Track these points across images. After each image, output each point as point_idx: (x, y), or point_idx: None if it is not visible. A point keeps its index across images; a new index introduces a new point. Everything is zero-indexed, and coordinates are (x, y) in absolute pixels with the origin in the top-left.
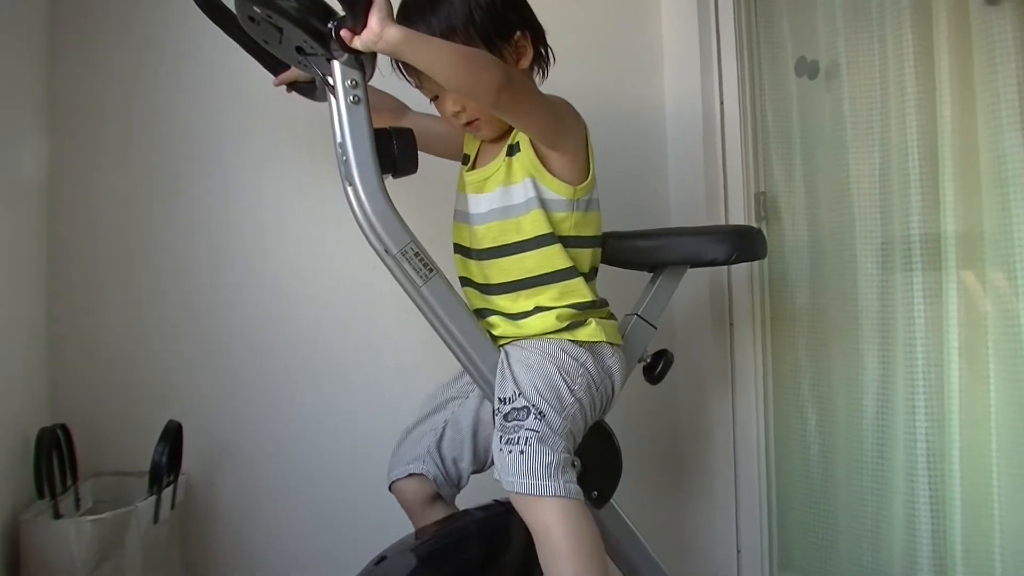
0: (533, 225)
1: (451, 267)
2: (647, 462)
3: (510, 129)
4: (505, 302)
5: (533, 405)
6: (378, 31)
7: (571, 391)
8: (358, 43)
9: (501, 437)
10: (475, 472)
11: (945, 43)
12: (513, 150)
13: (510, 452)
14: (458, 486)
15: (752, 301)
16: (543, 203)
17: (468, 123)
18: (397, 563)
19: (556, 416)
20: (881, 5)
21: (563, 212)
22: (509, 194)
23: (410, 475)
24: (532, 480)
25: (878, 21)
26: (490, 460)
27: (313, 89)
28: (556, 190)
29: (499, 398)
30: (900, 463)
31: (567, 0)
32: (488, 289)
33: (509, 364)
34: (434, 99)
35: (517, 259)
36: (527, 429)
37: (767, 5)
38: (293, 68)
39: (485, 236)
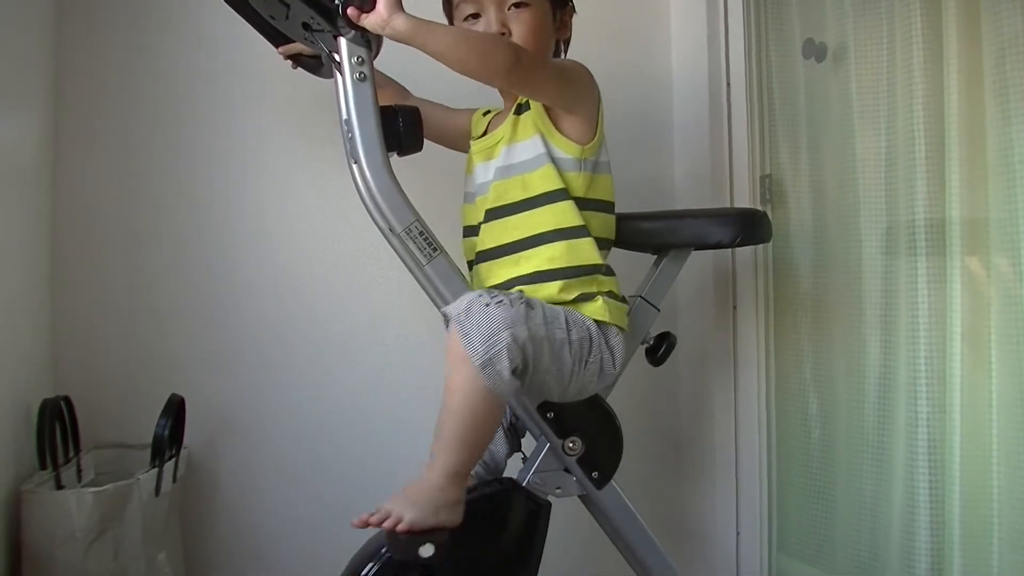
0: (544, 181)
1: (455, 248)
2: (648, 444)
3: None
4: (506, 267)
5: (528, 300)
6: (386, 17)
7: (567, 329)
8: (365, 24)
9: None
10: (509, 455)
11: (954, 28)
12: (522, 108)
13: (479, 296)
14: (498, 473)
15: (756, 285)
16: (554, 160)
17: None
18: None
19: (540, 319)
20: None
21: (573, 171)
22: (514, 151)
23: None
24: (472, 327)
25: (887, 4)
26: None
27: (319, 65)
28: (564, 148)
29: None
30: (901, 448)
31: None
32: (491, 254)
33: None
34: (473, 16)
35: (525, 216)
36: (508, 298)
37: None
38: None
39: (491, 198)
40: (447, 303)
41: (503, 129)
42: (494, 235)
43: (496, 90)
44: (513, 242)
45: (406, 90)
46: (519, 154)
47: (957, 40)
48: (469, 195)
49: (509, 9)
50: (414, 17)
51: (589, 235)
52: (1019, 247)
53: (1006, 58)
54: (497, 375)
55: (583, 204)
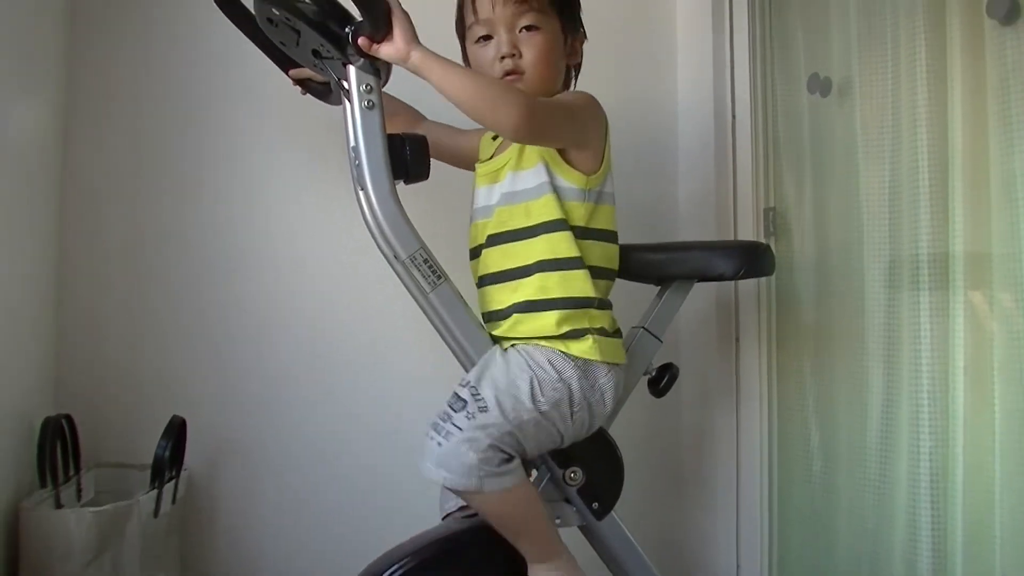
0: (545, 210)
1: (459, 274)
2: (649, 475)
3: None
4: (505, 293)
5: (477, 397)
6: (404, 51)
7: (534, 401)
8: (381, 54)
9: (432, 421)
10: None
11: (958, 63)
12: None
13: (430, 439)
14: None
15: (759, 317)
16: (556, 189)
17: (509, 73)
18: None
19: (499, 417)
20: (895, 24)
21: (575, 201)
22: (519, 178)
23: (461, 507)
24: (447, 473)
25: (892, 40)
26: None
27: (328, 92)
28: (569, 178)
29: (464, 378)
30: (903, 482)
31: (582, 11)
32: (493, 279)
33: (493, 354)
34: (484, 39)
35: (524, 244)
36: (453, 424)
37: (781, 21)
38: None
39: (493, 223)
40: (450, 331)
41: (508, 154)
42: (495, 260)
43: None
44: (511, 269)
45: (420, 114)
46: (523, 181)
47: (961, 75)
48: (474, 213)
49: (520, 31)
50: (431, 52)
51: (584, 267)
52: (1022, 282)
53: (1010, 93)
54: (498, 478)
55: (583, 233)
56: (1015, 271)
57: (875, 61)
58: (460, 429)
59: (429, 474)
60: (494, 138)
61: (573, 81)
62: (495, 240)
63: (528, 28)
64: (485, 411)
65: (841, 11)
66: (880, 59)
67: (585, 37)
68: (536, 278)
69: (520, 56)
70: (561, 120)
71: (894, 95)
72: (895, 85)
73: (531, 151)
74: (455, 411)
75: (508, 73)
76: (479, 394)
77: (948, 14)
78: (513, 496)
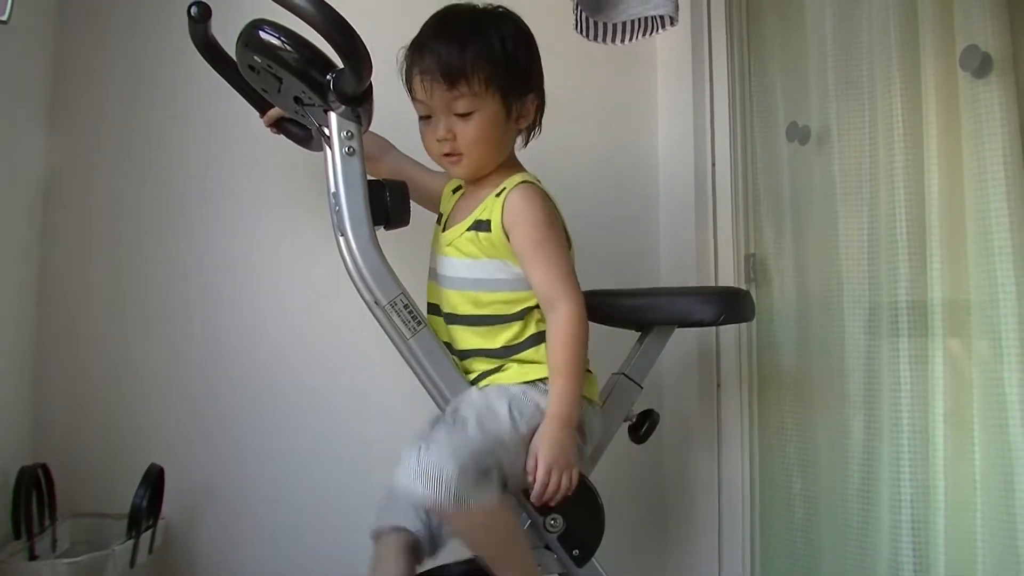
0: (494, 300)
1: None
2: (630, 521)
3: (487, 176)
4: (474, 364)
5: (458, 416)
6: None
7: (512, 421)
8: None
9: (412, 442)
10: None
11: (933, 113)
12: (481, 226)
13: (412, 451)
14: (437, 546)
15: (739, 363)
16: (512, 283)
17: (447, 154)
18: None
19: (477, 433)
20: (872, 75)
21: (528, 291)
22: (469, 267)
23: (395, 528)
24: (422, 485)
25: (869, 90)
26: None
27: (308, 138)
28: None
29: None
30: (885, 528)
31: (565, 62)
32: (458, 353)
33: (469, 390)
34: (426, 118)
35: (483, 330)
36: (432, 440)
37: (761, 70)
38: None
39: (448, 301)
40: (429, 376)
41: (458, 232)
42: (457, 338)
43: None
44: (474, 349)
45: (388, 144)
46: (473, 271)
47: (936, 125)
48: (432, 272)
49: (455, 116)
50: (557, 421)
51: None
52: (999, 328)
53: (984, 143)
54: (473, 497)
55: (538, 310)
56: (992, 317)
57: (852, 110)
58: (438, 444)
59: (404, 486)
60: (454, 191)
61: (532, 137)
62: (453, 319)
63: (462, 115)
64: (465, 427)
65: (819, 61)
66: (857, 108)
67: (540, 95)
68: (502, 359)
69: (454, 138)
70: (571, 269)
71: (871, 143)
72: (872, 133)
73: (485, 245)
74: (434, 429)
75: (447, 154)
76: (459, 413)
77: (923, 65)
78: (496, 517)
